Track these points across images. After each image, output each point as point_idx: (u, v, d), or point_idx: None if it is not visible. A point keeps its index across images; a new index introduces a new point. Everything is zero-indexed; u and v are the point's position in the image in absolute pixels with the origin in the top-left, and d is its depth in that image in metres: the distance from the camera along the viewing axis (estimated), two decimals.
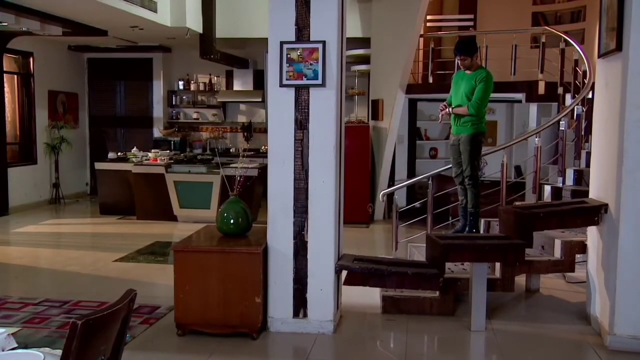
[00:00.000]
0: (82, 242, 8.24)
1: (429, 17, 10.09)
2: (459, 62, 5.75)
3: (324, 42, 4.38)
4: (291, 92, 4.47)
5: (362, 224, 8.95)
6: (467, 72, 5.74)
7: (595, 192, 4.83)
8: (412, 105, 10.11)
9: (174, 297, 4.43)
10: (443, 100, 6.12)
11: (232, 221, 4.59)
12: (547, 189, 6.69)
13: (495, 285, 5.05)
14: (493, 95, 5.81)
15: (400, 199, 8.71)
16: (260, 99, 11.64)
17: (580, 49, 7.30)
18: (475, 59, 5.77)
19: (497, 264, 5.11)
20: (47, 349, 2.35)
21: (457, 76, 5.94)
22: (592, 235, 4.85)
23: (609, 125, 4.48)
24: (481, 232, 5.91)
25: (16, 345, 2.39)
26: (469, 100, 5.65)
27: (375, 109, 9.64)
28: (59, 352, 2.00)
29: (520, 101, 9.04)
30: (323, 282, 4.54)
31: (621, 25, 4.19)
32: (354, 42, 8.84)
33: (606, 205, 4.47)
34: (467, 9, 10.59)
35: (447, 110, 5.79)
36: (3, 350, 2.31)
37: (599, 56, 4.71)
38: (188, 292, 4.39)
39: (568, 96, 7.65)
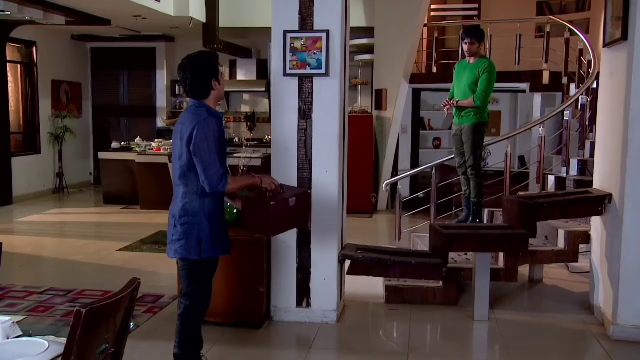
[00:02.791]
0: (86, 232, 8.26)
1: (433, 7, 10.03)
2: (466, 46, 5.66)
3: (327, 32, 4.36)
4: (295, 82, 4.45)
5: (365, 214, 8.94)
6: (470, 60, 5.70)
7: (600, 182, 4.82)
8: (416, 95, 10.08)
9: (177, 286, 4.44)
10: (447, 90, 6.09)
11: (235, 210, 4.58)
12: (551, 179, 6.69)
13: (499, 275, 5.05)
14: (497, 85, 5.78)
15: (404, 189, 8.71)
16: (263, 89, 11.61)
17: (585, 39, 7.25)
18: (480, 47, 5.75)
19: (501, 254, 5.11)
20: (51, 337, 2.36)
21: (459, 67, 5.91)
22: (596, 225, 4.84)
23: (613, 115, 4.46)
24: (485, 222, 5.90)
25: (21, 333, 2.41)
26: (472, 92, 5.61)
27: (379, 98, 9.61)
28: (64, 340, 2.01)
29: (524, 91, 9.00)
30: (326, 272, 4.54)
31: (627, 14, 4.17)
32: (357, 32, 8.80)
33: (610, 195, 4.46)
34: None
35: (451, 103, 5.73)
36: (8, 338, 2.33)
37: (604, 45, 4.68)
38: None
39: (572, 86, 7.61)
